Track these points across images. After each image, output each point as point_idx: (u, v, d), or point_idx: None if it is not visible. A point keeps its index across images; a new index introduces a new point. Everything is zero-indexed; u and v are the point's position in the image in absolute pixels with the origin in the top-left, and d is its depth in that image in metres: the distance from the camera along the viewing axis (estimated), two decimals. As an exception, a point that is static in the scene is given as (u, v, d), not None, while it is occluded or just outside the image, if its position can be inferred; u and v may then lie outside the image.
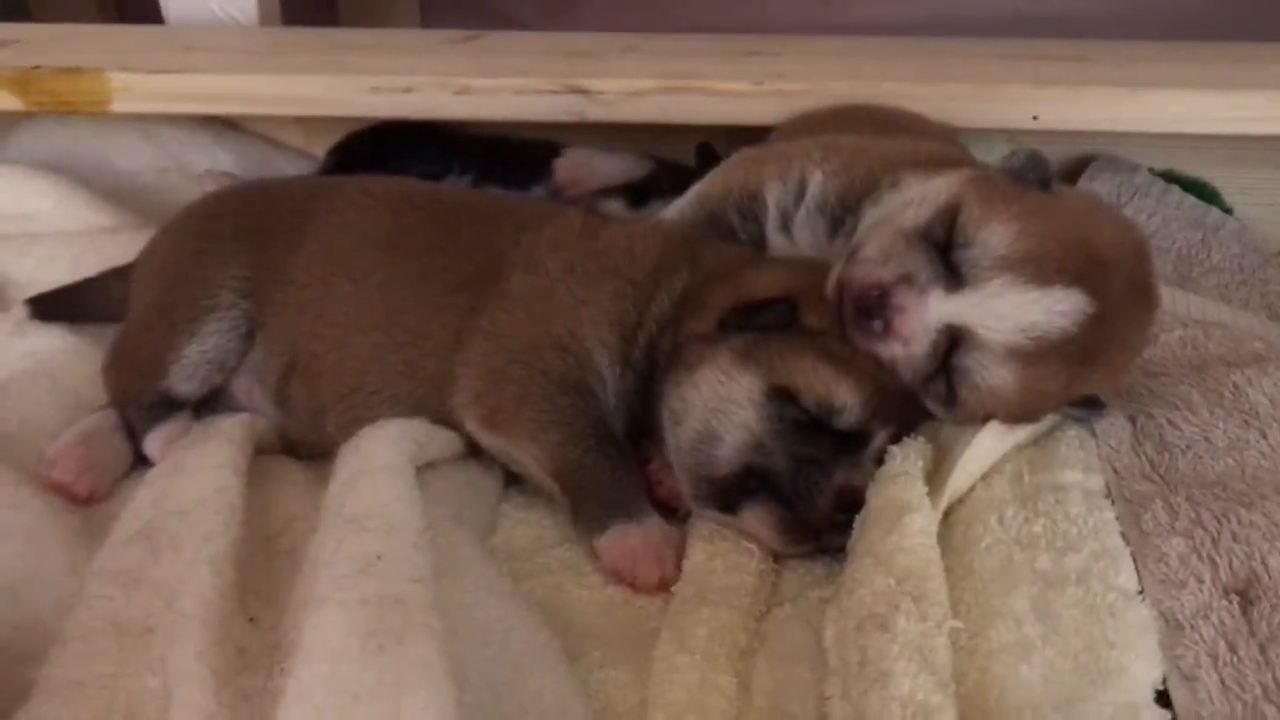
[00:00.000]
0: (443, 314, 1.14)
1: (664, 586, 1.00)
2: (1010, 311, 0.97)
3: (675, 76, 1.54)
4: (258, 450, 1.13)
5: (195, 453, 1.08)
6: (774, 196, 1.22)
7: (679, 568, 1.01)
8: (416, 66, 1.60)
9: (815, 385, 1.02)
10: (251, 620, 0.89)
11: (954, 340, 0.99)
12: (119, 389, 1.20)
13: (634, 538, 1.02)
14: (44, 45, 1.71)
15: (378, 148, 1.63)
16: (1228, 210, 1.67)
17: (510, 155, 1.62)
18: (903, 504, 0.95)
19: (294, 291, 1.19)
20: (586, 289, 1.13)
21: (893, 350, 1.01)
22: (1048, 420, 1.05)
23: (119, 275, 1.32)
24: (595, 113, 1.54)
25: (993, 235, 0.99)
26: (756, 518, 1.02)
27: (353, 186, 1.28)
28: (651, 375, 1.10)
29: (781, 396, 1.02)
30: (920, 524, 0.93)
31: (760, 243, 1.23)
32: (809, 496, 1.00)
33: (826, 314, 1.05)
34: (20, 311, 1.34)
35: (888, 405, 1.03)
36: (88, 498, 1.11)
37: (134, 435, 1.18)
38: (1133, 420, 1.09)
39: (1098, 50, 1.72)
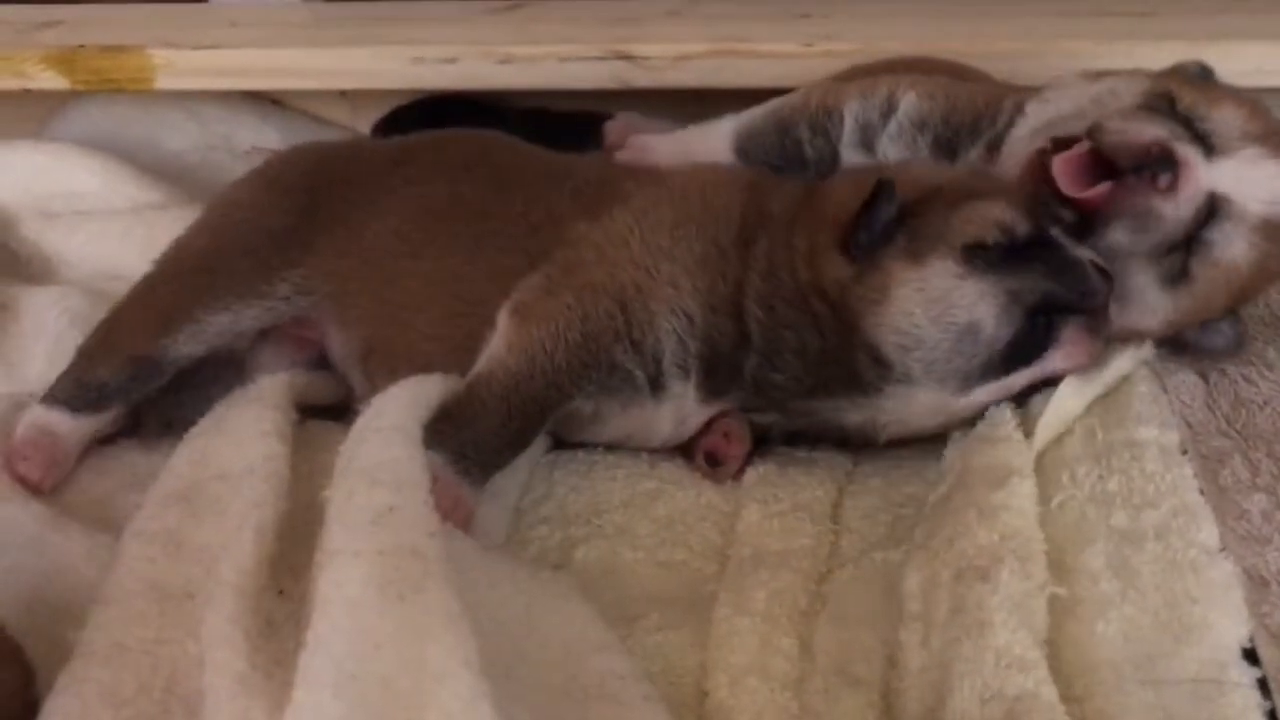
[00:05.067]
0: (500, 279, 1.09)
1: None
2: (1266, 181, 0.99)
3: (723, 40, 1.51)
4: (300, 408, 1.11)
5: (236, 414, 1.06)
6: (853, 112, 1.18)
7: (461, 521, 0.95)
8: (459, 36, 1.58)
9: (986, 217, 1.01)
10: (281, 593, 0.87)
11: (1208, 211, 0.99)
12: (97, 345, 1.13)
13: (443, 486, 0.93)
14: (88, 25, 1.72)
15: (424, 122, 1.61)
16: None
17: (557, 124, 1.60)
18: (1011, 467, 0.93)
19: (365, 270, 1.15)
20: (664, 237, 1.07)
21: (1164, 209, 0.99)
22: (1117, 370, 1.02)
23: None
24: (642, 78, 1.51)
25: (1228, 111, 1.01)
26: (1073, 344, 1.00)
27: (422, 154, 1.23)
28: (746, 334, 1.05)
29: (971, 250, 1.00)
30: (1027, 488, 0.91)
31: (830, 160, 1.19)
32: (1085, 287, 0.99)
33: (914, 183, 1.03)
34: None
35: (1032, 202, 1.03)
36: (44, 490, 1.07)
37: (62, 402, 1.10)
38: (1205, 377, 1.06)
39: (1154, 4, 1.67)
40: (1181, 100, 1.02)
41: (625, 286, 1.05)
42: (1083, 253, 1.01)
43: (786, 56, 1.49)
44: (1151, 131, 0.98)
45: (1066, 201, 1.01)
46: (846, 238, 1.02)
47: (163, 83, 1.60)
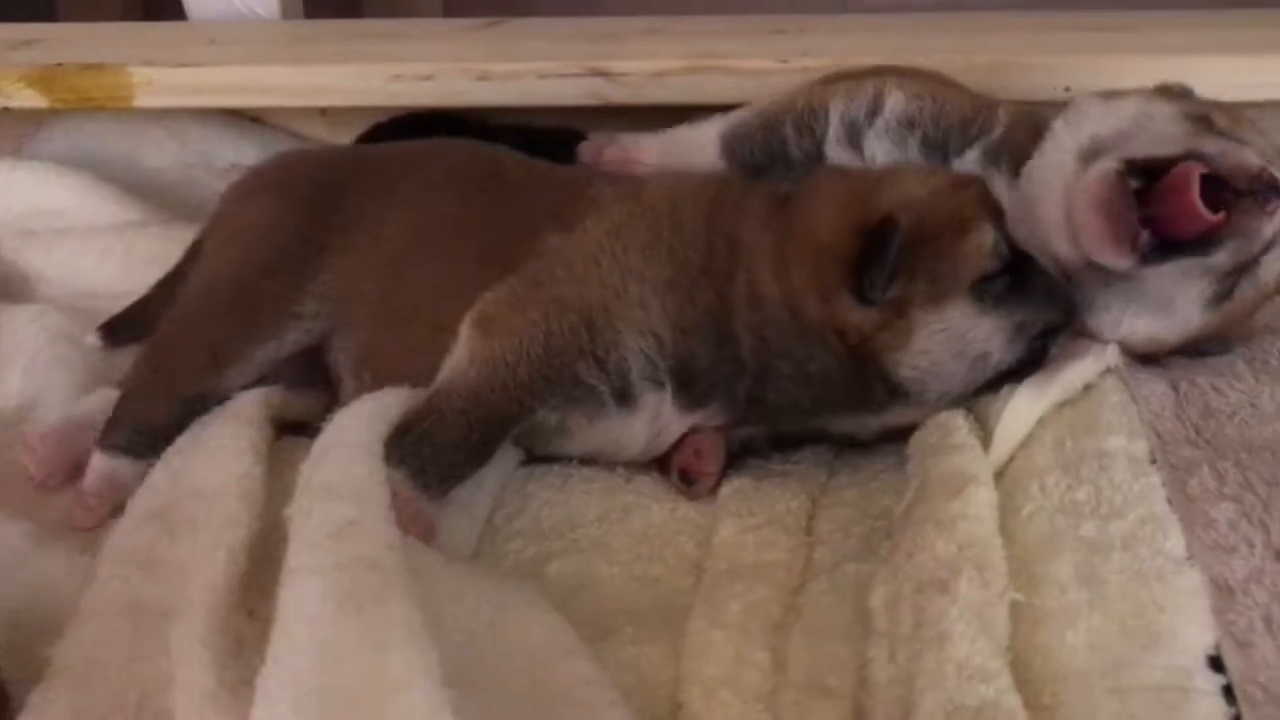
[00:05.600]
0: (476, 290, 1.08)
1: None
2: None
3: (700, 56, 1.52)
4: (277, 424, 1.11)
5: (214, 432, 1.06)
6: (839, 110, 1.19)
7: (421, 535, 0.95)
8: (437, 53, 1.60)
9: (984, 246, 1.03)
10: (251, 613, 0.87)
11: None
12: (150, 381, 1.12)
13: (402, 502, 0.91)
14: (67, 43, 1.73)
15: (403, 138, 1.62)
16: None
17: (537, 140, 1.60)
18: (968, 475, 0.93)
19: (370, 278, 1.14)
20: (636, 258, 1.06)
21: (1265, 231, 1.01)
22: (1078, 377, 1.03)
23: (184, 280, 1.24)
24: (618, 95, 1.52)
25: (1253, 132, 1.05)
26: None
27: (415, 162, 1.23)
28: (737, 358, 1.06)
29: (979, 286, 1.02)
30: (985, 496, 0.92)
31: (815, 159, 1.20)
32: (1070, 309, 1.06)
33: (904, 205, 1.04)
34: (93, 339, 1.28)
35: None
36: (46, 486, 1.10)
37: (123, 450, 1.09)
38: (1175, 387, 1.06)
39: (1132, 19, 1.69)
40: (1218, 123, 1.06)
41: (592, 305, 1.04)
42: (1052, 269, 1.05)
43: (763, 72, 1.50)
44: (1256, 158, 1.01)
45: (1151, 223, 1.01)
46: (857, 281, 1.01)
47: (142, 101, 1.60)
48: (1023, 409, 1.00)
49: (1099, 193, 1.03)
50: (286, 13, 1.89)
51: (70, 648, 0.86)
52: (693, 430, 1.09)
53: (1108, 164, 1.03)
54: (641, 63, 1.52)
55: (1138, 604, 0.80)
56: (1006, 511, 0.93)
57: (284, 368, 1.15)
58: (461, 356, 1.04)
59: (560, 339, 1.03)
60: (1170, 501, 0.89)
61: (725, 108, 1.52)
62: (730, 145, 1.25)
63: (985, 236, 1.04)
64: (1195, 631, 0.78)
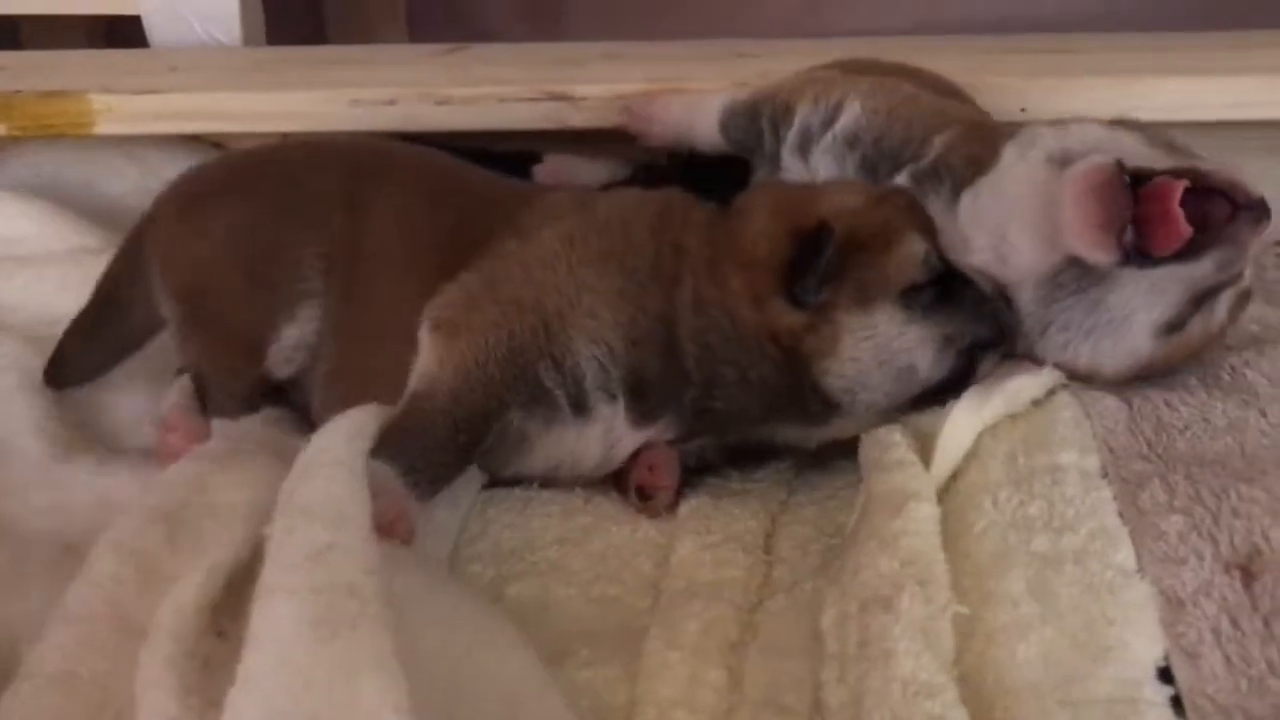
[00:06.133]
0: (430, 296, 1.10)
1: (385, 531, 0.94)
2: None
3: (660, 80, 1.53)
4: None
5: (250, 456, 1.07)
6: (802, 115, 1.21)
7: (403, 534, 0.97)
8: (398, 79, 1.60)
9: (914, 256, 1.04)
10: (221, 634, 0.87)
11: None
12: (214, 368, 1.17)
13: (391, 498, 0.96)
14: (26, 70, 1.72)
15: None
16: (1223, 199, 1.65)
17: (499, 163, 1.61)
18: (908, 491, 0.94)
19: (331, 296, 1.16)
20: (589, 270, 1.08)
21: (1248, 249, 1.02)
22: (1019, 393, 1.04)
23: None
24: (578, 118, 1.53)
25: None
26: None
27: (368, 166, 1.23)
28: (682, 368, 1.07)
29: (908, 295, 1.04)
30: (926, 511, 0.92)
31: (774, 160, 1.23)
32: (1003, 326, 1.07)
33: (838, 215, 1.05)
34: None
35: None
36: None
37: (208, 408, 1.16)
38: (1128, 403, 1.07)
39: (1085, 42, 1.72)
40: (1179, 149, 1.08)
41: (548, 310, 1.06)
42: (986, 287, 1.06)
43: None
44: (1241, 177, 1.01)
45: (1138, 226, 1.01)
46: (790, 284, 1.04)
47: (103, 127, 1.60)
48: (961, 423, 1.01)
49: (1095, 179, 1.01)
50: (249, 39, 1.89)
51: (51, 650, 0.85)
52: (646, 446, 1.10)
53: (1101, 157, 1.02)
54: (601, 87, 1.53)
55: (1088, 617, 0.80)
56: (959, 527, 0.93)
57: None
58: (430, 361, 1.05)
59: (521, 338, 1.05)
60: (1122, 515, 0.90)
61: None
62: (725, 123, 1.29)
63: (916, 247, 1.05)
64: (1145, 643, 0.78)
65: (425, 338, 1.07)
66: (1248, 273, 1.07)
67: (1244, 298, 1.10)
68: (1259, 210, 1.00)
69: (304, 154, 1.28)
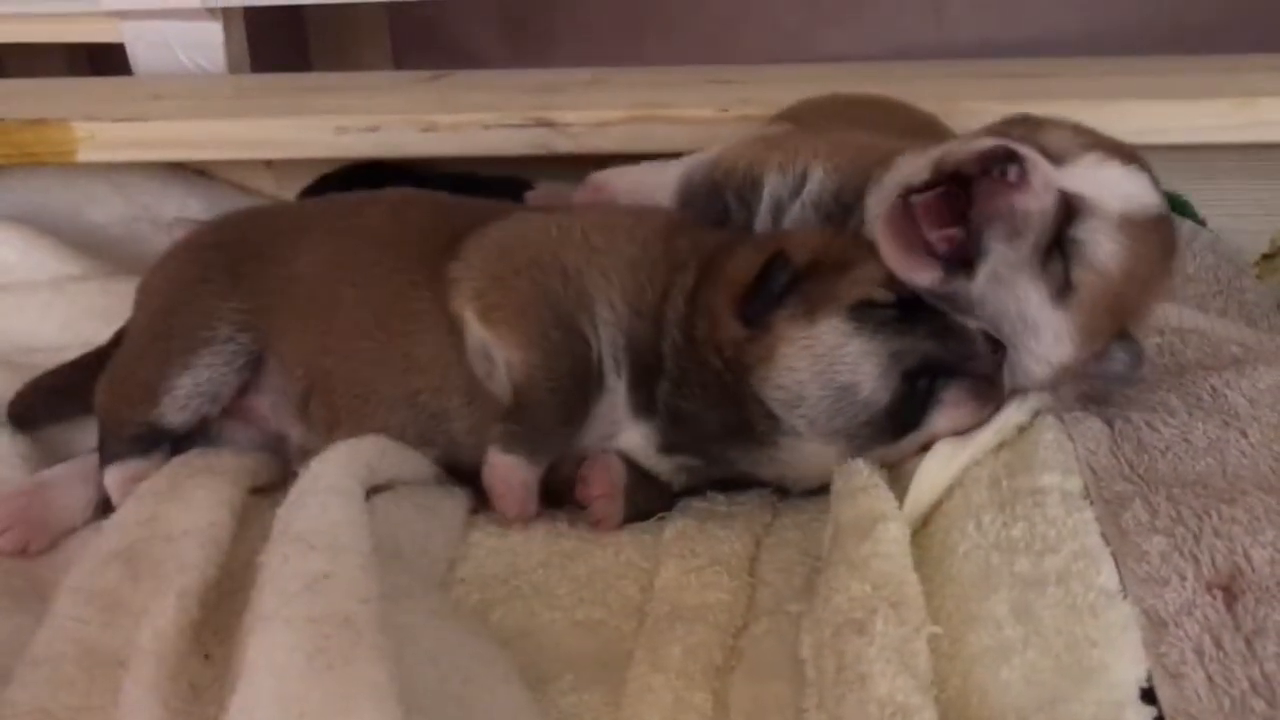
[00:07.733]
0: (429, 286, 1.13)
1: (514, 521, 1.08)
2: (1114, 180, 1.03)
3: (642, 106, 1.55)
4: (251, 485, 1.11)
5: (196, 483, 1.06)
6: (771, 186, 1.21)
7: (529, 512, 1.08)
8: (383, 105, 1.61)
9: (873, 276, 1.04)
10: (207, 657, 0.87)
11: (1069, 212, 1.02)
12: (107, 415, 1.18)
13: (525, 473, 1.08)
14: (9, 98, 1.72)
15: (349, 189, 1.63)
16: (1200, 222, 1.67)
17: (483, 190, 1.61)
18: (876, 513, 0.94)
19: (299, 313, 1.17)
20: (600, 235, 1.12)
21: (1026, 203, 1.00)
22: (1007, 422, 1.04)
23: (101, 358, 1.26)
24: (562, 145, 1.54)
25: (1057, 131, 1.06)
26: (954, 406, 1.03)
27: (341, 209, 1.27)
28: (661, 355, 1.10)
29: (859, 309, 1.03)
30: (894, 532, 0.92)
31: (749, 228, 1.23)
32: (968, 350, 1.03)
33: (804, 247, 1.08)
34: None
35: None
36: (18, 553, 1.08)
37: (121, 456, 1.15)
38: (1110, 424, 1.08)
39: (1062, 67, 1.74)
40: (1014, 130, 1.06)
41: (566, 266, 1.11)
42: (970, 322, 1.04)
43: (704, 121, 1.53)
44: (989, 140, 1.02)
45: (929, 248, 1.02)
46: (742, 304, 1.06)
47: (86, 155, 1.60)
48: (933, 469, 1.01)
49: (887, 214, 1.04)
50: (232, 67, 1.89)
51: (21, 691, 0.84)
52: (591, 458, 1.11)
53: (892, 189, 1.07)
54: (585, 113, 1.54)
55: (1071, 638, 0.80)
56: (943, 550, 0.93)
57: (254, 434, 1.19)
58: (507, 352, 1.10)
59: (555, 295, 1.10)
60: (1104, 536, 0.90)
61: (668, 156, 1.56)
62: (685, 196, 1.28)
63: (875, 270, 1.05)
64: (1127, 664, 0.78)
65: (477, 328, 1.11)
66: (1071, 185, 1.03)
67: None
68: (1002, 166, 0.99)
69: (260, 217, 1.31)
